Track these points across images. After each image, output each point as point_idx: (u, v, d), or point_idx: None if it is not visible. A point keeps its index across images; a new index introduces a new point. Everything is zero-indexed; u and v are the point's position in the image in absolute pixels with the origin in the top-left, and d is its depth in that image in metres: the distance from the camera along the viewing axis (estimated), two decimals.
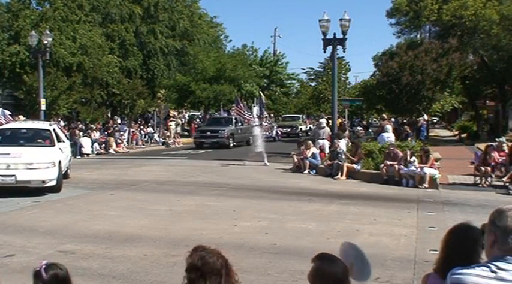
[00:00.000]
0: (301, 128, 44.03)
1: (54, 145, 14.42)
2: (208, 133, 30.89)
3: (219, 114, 39.70)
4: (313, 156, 18.37)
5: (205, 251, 2.71)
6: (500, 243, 2.30)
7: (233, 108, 36.41)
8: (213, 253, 2.71)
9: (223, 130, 30.58)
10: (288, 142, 34.04)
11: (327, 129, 21.09)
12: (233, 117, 33.76)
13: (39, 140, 14.79)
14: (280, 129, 40.92)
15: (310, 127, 45.56)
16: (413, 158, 15.45)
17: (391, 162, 15.71)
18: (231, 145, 30.52)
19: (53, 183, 13.09)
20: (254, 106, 39.92)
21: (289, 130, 42.31)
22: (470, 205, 11.89)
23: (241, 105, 35.88)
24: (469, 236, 2.91)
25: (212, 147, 29.79)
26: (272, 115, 49.74)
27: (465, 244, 2.88)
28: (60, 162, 13.79)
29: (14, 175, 12.67)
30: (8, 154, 13.11)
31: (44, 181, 12.92)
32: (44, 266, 2.82)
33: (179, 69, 43.03)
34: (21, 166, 12.83)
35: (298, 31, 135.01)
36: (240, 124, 32.92)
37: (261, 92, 42.71)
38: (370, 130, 33.97)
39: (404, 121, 29.98)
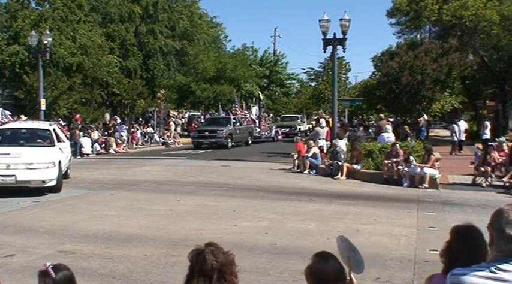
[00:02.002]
0: (299, 128, 43.73)
1: (54, 145, 14.39)
2: (207, 133, 30.62)
3: (218, 114, 39.47)
4: (314, 156, 18.36)
5: (210, 248, 2.62)
6: (496, 244, 2.31)
7: (235, 107, 36.20)
8: (215, 253, 2.60)
9: (222, 131, 30.26)
10: (288, 142, 33.99)
11: (326, 129, 21.11)
12: (232, 117, 33.47)
13: (39, 140, 14.77)
14: (278, 129, 40.68)
15: (309, 127, 45.40)
16: (411, 158, 15.46)
17: (395, 160, 15.66)
18: (230, 145, 30.25)
19: (53, 183, 13.07)
20: (253, 106, 39.77)
21: (287, 130, 41.97)
22: (470, 205, 11.90)
23: (238, 105, 35.78)
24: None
25: (210, 147, 29.57)
26: (270, 114, 49.38)
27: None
28: (60, 162, 13.79)
29: (14, 175, 12.63)
30: (8, 154, 13.07)
31: (44, 181, 12.89)
32: (51, 266, 2.81)
33: (179, 69, 43.02)
34: (21, 166, 12.78)
35: (298, 31, 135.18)
36: (238, 124, 32.63)
37: (259, 92, 42.55)
38: (370, 131, 33.93)
39: (409, 121, 29.96)
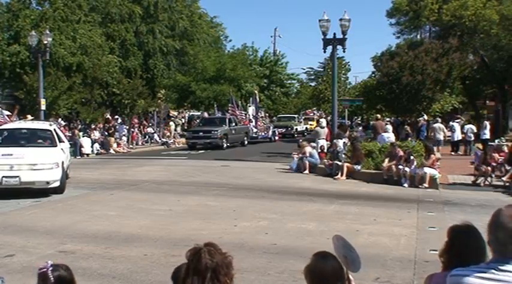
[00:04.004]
0: (296, 128, 42.91)
1: (56, 146, 14.17)
2: (201, 133, 29.89)
3: (213, 114, 38.63)
4: (311, 155, 18.38)
5: (207, 248, 2.58)
6: (492, 244, 2.32)
7: (230, 107, 35.80)
8: (211, 253, 2.56)
9: (216, 131, 29.54)
10: (286, 142, 33.86)
11: (327, 129, 21.13)
12: (227, 117, 32.85)
13: (40, 140, 14.53)
14: (276, 129, 39.83)
15: (306, 127, 45.12)
16: (412, 158, 15.46)
17: (391, 163, 15.67)
18: (225, 146, 29.61)
19: (57, 183, 12.86)
20: (250, 106, 39.37)
21: (284, 130, 41.31)
22: (470, 205, 11.90)
23: (234, 104, 35.43)
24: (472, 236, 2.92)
25: (205, 147, 28.99)
26: (267, 114, 48.93)
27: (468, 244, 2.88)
28: (63, 162, 13.69)
29: (18, 177, 12.37)
30: (11, 155, 12.76)
31: (48, 182, 12.65)
32: (50, 268, 2.81)
33: (179, 69, 42.99)
34: (25, 167, 12.52)
35: (298, 31, 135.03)
36: (233, 124, 31.99)
37: (256, 92, 42.10)
38: (370, 131, 33.92)
39: (409, 121, 30.00)
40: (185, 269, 2.60)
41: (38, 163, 12.61)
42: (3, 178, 12.32)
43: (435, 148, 23.00)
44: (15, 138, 14.42)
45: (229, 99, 37.69)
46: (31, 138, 14.61)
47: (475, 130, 25.79)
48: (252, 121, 36.86)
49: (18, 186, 12.41)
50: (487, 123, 25.85)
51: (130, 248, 7.83)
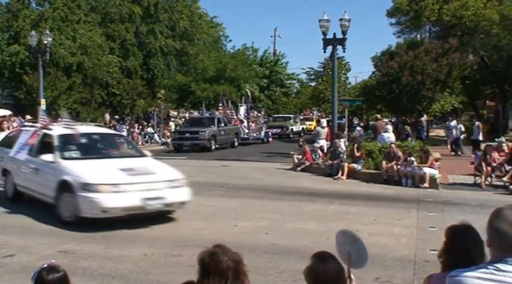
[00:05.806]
0: (292, 129, 41.74)
1: (146, 155, 11.46)
2: (188, 134, 28.21)
3: (200, 113, 36.87)
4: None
5: (220, 249, 2.66)
6: (495, 244, 2.32)
7: (220, 107, 34.99)
8: (227, 254, 2.64)
9: (204, 132, 27.94)
10: (282, 143, 33.61)
11: (327, 129, 21.16)
12: (215, 117, 31.08)
13: (128, 149, 11.86)
14: (270, 129, 38.20)
15: (302, 128, 44.68)
16: (412, 158, 15.45)
17: (390, 164, 15.67)
18: (213, 147, 28.04)
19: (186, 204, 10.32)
20: (241, 106, 38.46)
21: (279, 131, 40.01)
22: (470, 205, 11.89)
23: (224, 104, 34.89)
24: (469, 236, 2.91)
25: (192, 149, 27.51)
26: (260, 114, 48.19)
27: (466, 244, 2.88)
28: None
29: (163, 198, 9.53)
30: (132, 169, 9.84)
31: (183, 203, 10.10)
32: (44, 268, 2.83)
33: (179, 69, 43.03)
34: (163, 185, 9.71)
35: (298, 31, 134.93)
36: (223, 124, 30.20)
37: (248, 91, 41.44)
38: (370, 131, 33.89)
39: (409, 121, 30.00)
40: (201, 272, 2.62)
41: (175, 180, 10.02)
42: (146, 201, 9.30)
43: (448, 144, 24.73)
44: (94, 147, 11.36)
45: (228, 99, 37.34)
46: (113, 147, 11.67)
47: (463, 129, 25.86)
48: (243, 122, 35.76)
49: (162, 209, 9.70)
50: (478, 123, 25.74)
51: (131, 248, 7.83)
